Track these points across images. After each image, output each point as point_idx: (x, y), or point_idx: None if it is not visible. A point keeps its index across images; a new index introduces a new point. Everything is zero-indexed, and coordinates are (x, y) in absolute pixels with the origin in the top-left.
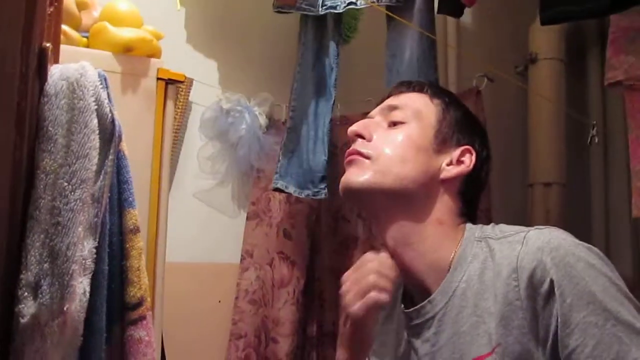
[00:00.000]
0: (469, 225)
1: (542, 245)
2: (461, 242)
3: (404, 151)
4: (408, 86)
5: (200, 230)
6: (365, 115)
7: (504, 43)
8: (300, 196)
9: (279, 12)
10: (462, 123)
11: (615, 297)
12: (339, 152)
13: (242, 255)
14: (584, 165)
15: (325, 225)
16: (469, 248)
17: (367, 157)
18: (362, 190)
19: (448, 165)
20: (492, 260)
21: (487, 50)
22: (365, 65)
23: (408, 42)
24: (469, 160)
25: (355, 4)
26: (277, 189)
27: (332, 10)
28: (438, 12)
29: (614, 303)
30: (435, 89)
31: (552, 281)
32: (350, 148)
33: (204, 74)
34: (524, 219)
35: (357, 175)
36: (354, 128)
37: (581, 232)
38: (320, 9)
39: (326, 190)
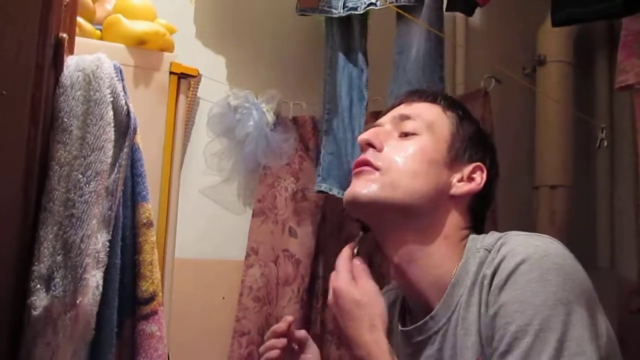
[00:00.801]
0: (471, 236)
1: (508, 250)
2: (463, 255)
3: (415, 164)
4: (421, 95)
5: (205, 226)
6: (373, 114)
7: (513, 44)
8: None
9: (302, 14)
10: (475, 139)
11: (548, 318)
12: None
13: (247, 252)
14: (590, 168)
15: (331, 224)
16: (470, 261)
17: (377, 169)
18: (369, 204)
19: (459, 181)
20: (479, 272)
21: (496, 51)
22: (373, 63)
23: (415, 39)
24: (480, 178)
25: (375, 4)
26: (321, 192)
27: (353, 12)
28: (447, 10)
29: (542, 323)
30: (449, 101)
31: (497, 284)
32: (360, 157)
33: (212, 70)
34: (530, 221)
35: (364, 187)
36: (365, 137)
37: (587, 234)
38: (342, 10)
39: None
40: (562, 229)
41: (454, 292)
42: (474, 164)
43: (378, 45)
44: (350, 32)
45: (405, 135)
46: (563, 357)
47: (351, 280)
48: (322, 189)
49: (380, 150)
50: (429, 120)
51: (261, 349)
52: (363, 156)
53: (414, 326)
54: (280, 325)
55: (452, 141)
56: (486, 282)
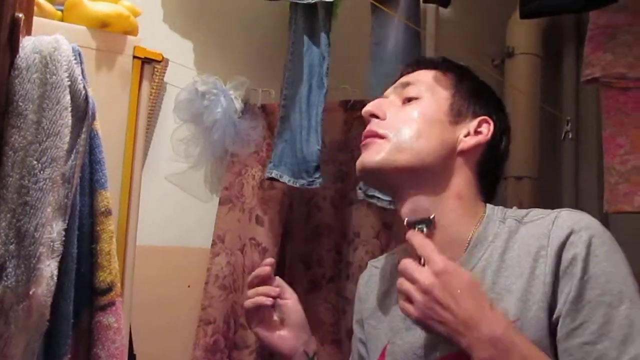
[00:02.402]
0: (490, 205)
1: (572, 224)
2: (482, 220)
3: (419, 126)
4: (419, 63)
5: (171, 213)
6: (342, 103)
7: (482, 36)
8: (295, 185)
9: None
10: (477, 94)
11: (632, 285)
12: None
13: (213, 240)
14: (555, 159)
15: (298, 213)
16: (490, 227)
17: (383, 137)
18: (379, 169)
19: (465, 136)
20: (516, 241)
21: (465, 43)
22: (342, 51)
23: (393, 30)
24: (487, 130)
25: None
26: (271, 179)
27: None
28: (425, 1)
29: (630, 289)
30: (446, 63)
31: (574, 257)
32: (366, 129)
33: (180, 55)
34: None
35: (372, 155)
36: (367, 108)
37: None
38: None
39: (321, 180)
40: None
41: (472, 255)
42: (479, 118)
43: (350, 35)
44: (314, 18)
45: (408, 100)
46: None
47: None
48: (273, 175)
49: (383, 119)
50: (429, 83)
51: (249, 293)
52: (368, 127)
53: None
54: (264, 269)
55: (454, 99)
56: (547, 252)
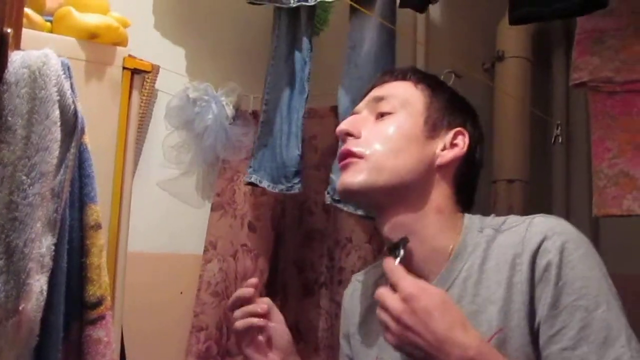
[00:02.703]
0: (468, 215)
1: (545, 230)
2: (462, 231)
3: (395, 143)
4: (391, 75)
5: (163, 220)
6: (333, 109)
7: (472, 40)
8: (274, 191)
9: (252, 3)
10: (450, 105)
11: (607, 288)
12: (306, 144)
13: (205, 247)
14: (546, 163)
15: (290, 218)
16: (469, 237)
17: (360, 156)
18: (361, 191)
19: (442, 150)
20: (494, 251)
21: (455, 47)
22: (332, 57)
23: (368, 34)
24: (463, 142)
25: None
26: (250, 183)
27: (303, 3)
28: (400, 6)
29: (606, 292)
30: (418, 75)
31: (549, 263)
32: (342, 148)
33: (171, 62)
34: (488, 215)
35: (353, 177)
36: (342, 127)
37: None
38: (292, 2)
39: (300, 185)
40: None
41: (453, 267)
42: (454, 130)
43: (340, 39)
44: (297, 23)
45: (381, 116)
46: (627, 320)
47: (422, 282)
48: (252, 180)
49: (358, 137)
50: (402, 98)
51: (237, 314)
52: (345, 147)
53: None
54: (248, 290)
55: (428, 112)
56: (522, 260)
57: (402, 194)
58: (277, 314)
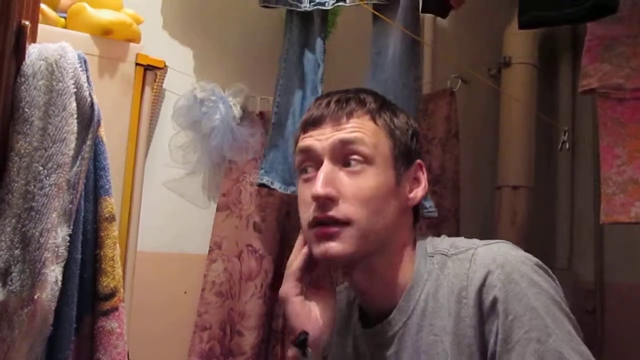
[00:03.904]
0: (418, 242)
1: (489, 262)
2: (415, 261)
3: (376, 204)
4: (346, 105)
5: (168, 219)
6: None
7: (479, 45)
8: (286, 192)
9: (265, 6)
10: (410, 141)
11: (557, 314)
12: None
13: (210, 247)
14: (551, 169)
15: (295, 220)
16: (422, 265)
17: (345, 223)
18: (349, 258)
19: (410, 191)
20: (444, 278)
21: (462, 52)
22: (344, 61)
23: (392, 39)
24: (422, 175)
25: (344, 1)
26: (262, 185)
27: (320, 7)
28: (422, 12)
29: (556, 320)
30: (375, 102)
31: (495, 298)
32: (324, 214)
33: (179, 62)
34: (492, 221)
35: (341, 248)
36: (321, 192)
37: (546, 235)
38: (308, 5)
39: None
40: (523, 230)
41: (410, 297)
42: (414, 165)
43: (349, 42)
44: (309, 26)
45: (348, 164)
46: (580, 343)
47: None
48: (264, 181)
49: (337, 200)
50: (371, 144)
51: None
52: (329, 213)
53: (372, 329)
54: None
55: (394, 157)
56: (465, 293)
57: (379, 248)
58: None
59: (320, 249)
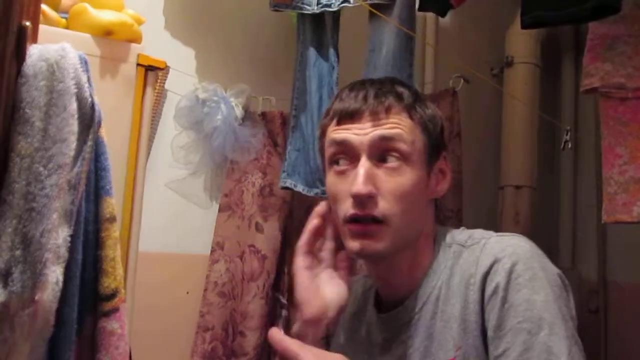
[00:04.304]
0: (438, 229)
1: (497, 251)
2: (435, 248)
3: (409, 202)
4: (385, 97)
5: (170, 220)
6: None
7: (481, 45)
8: (309, 194)
9: (275, 10)
10: (439, 129)
11: (554, 311)
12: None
13: (212, 247)
14: (554, 169)
15: (298, 220)
16: (441, 255)
17: (381, 221)
18: (385, 257)
19: (437, 184)
20: (458, 267)
21: (465, 51)
22: (344, 60)
23: (386, 37)
24: (447, 167)
25: (349, 1)
26: (285, 188)
27: (327, 9)
28: (420, 10)
29: (552, 315)
30: (411, 96)
31: (497, 285)
32: (363, 212)
33: (181, 62)
34: (495, 221)
35: (377, 247)
36: (362, 190)
37: (549, 235)
38: (315, 7)
39: None
40: (526, 229)
41: (426, 285)
42: (441, 158)
43: (352, 43)
44: (322, 28)
45: (385, 161)
46: (573, 342)
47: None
48: (287, 184)
49: (375, 197)
50: (409, 140)
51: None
52: (368, 212)
53: (387, 314)
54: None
55: (427, 154)
56: (473, 280)
57: (408, 242)
58: None
59: (356, 245)
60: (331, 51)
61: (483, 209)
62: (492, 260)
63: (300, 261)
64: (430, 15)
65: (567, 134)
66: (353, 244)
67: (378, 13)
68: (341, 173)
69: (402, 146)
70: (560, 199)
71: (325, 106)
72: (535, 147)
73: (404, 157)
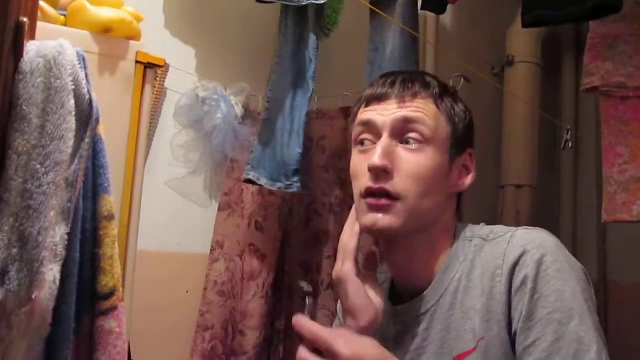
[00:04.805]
0: (459, 224)
1: (525, 243)
2: (454, 241)
3: (428, 184)
4: (413, 85)
5: (170, 218)
6: (343, 110)
7: (482, 44)
8: (272, 188)
9: (261, 1)
10: (467, 127)
11: (582, 302)
12: (315, 145)
13: (212, 246)
14: (554, 168)
15: (297, 219)
16: (460, 247)
17: (395, 197)
18: (395, 233)
19: (459, 178)
20: (480, 260)
21: (465, 50)
22: (343, 58)
23: (390, 35)
24: (471, 164)
25: None
26: (247, 180)
27: (313, 1)
28: (422, 8)
29: (581, 306)
30: (439, 87)
31: (526, 276)
32: (377, 186)
33: (181, 60)
34: (495, 220)
35: (389, 221)
36: (378, 163)
37: None
38: (302, 0)
39: (299, 184)
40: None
41: (445, 276)
42: (466, 153)
43: (350, 40)
44: (304, 21)
45: (406, 142)
46: (600, 334)
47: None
48: (250, 177)
49: (391, 172)
50: (432, 125)
51: None
52: (380, 184)
53: (403, 305)
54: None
55: (450, 143)
56: (499, 271)
57: (423, 228)
58: None
59: (368, 219)
60: (311, 44)
61: (483, 208)
62: (520, 252)
63: (351, 267)
64: (430, 14)
65: (567, 133)
66: (365, 219)
67: (376, 10)
68: (363, 152)
69: (424, 129)
70: (560, 198)
71: (298, 99)
72: (535, 146)
73: (425, 140)
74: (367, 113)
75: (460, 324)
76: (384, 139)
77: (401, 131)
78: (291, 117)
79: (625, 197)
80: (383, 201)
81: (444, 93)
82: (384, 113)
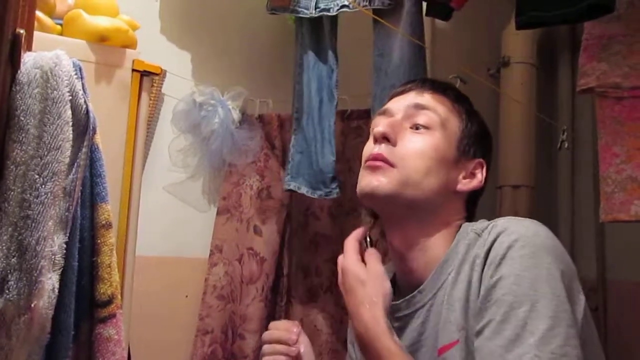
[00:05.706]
0: (464, 223)
1: (502, 230)
2: (456, 237)
3: (428, 162)
4: (432, 86)
5: (169, 223)
6: (340, 113)
7: (478, 45)
8: (314, 197)
9: (273, 13)
10: (480, 135)
11: (544, 291)
12: None
13: (211, 251)
14: (551, 168)
15: (296, 222)
16: (461, 243)
17: (392, 165)
18: (384, 198)
19: (464, 178)
20: (469, 254)
21: (461, 52)
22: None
23: (397, 42)
24: (481, 175)
25: (348, 7)
26: (289, 190)
27: (325, 13)
28: (426, 15)
29: (540, 294)
30: (457, 94)
31: (494, 258)
32: (376, 152)
33: (178, 66)
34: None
35: (382, 184)
36: (381, 129)
37: None
38: (314, 11)
39: (338, 190)
40: None
41: (442, 270)
42: (476, 161)
43: (348, 45)
44: (320, 31)
45: (416, 127)
46: (560, 326)
47: (358, 260)
48: (291, 187)
49: (394, 144)
50: (442, 116)
51: (266, 349)
52: (378, 151)
53: (402, 300)
54: (291, 338)
55: (461, 138)
56: (479, 260)
57: (419, 209)
58: (304, 338)
59: (363, 182)
60: (330, 54)
61: (481, 208)
62: (493, 238)
63: (355, 257)
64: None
65: (563, 134)
66: (361, 184)
67: (380, 19)
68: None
69: (434, 116)
70: (558, 198)
71: (325, 108)
72: (532, 146)
73: (433, 127)
74: (387, 104)
75: (447, 316)
76: (395, 118)
77: (412, 116)
78: (321, 127)
79: (623, 197)
80: (379, 163)
81: (461, 98)
82: (400, 102)
